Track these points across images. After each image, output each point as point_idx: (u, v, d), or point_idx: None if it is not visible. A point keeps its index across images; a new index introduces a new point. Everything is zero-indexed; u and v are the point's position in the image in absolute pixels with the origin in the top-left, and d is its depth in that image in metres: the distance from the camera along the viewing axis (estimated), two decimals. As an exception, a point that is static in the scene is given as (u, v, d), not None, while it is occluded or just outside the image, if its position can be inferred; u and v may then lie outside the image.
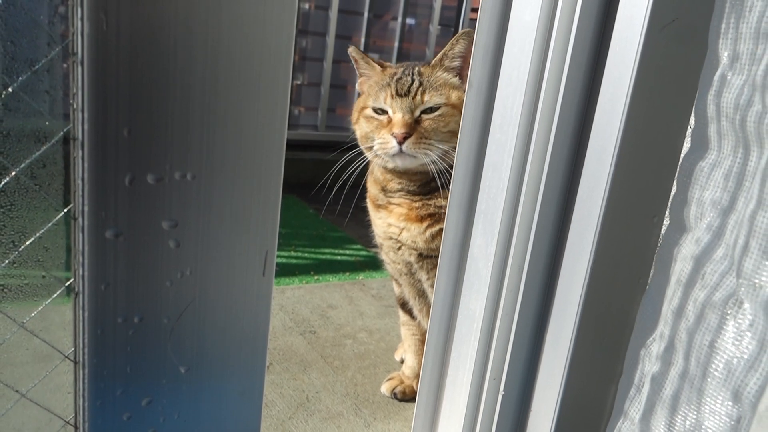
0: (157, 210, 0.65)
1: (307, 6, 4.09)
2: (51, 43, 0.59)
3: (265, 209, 0.71)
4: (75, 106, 0.60)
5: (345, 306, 2.21)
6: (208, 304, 0.71)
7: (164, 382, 0.71)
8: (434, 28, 4.43)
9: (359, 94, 1.56)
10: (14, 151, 0.60)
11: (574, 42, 0.89)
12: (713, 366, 0.60)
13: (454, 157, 1.35)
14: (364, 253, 2.82)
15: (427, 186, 1.42)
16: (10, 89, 0.58)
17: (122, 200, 0.64)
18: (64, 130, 0.61)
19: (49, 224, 0.63)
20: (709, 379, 0.61)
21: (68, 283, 0.65)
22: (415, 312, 1.62)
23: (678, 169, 0.72)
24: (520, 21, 0.92)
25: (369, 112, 1.44)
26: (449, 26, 4.52)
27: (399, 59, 4.41)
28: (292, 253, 2.75)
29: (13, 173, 0.61)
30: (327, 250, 2.86)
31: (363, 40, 4.23)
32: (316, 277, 2.49)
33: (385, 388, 1.66)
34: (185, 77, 0.63)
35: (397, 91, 1.38)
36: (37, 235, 0.64)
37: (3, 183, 0.60)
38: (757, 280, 0.56)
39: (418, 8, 4.48)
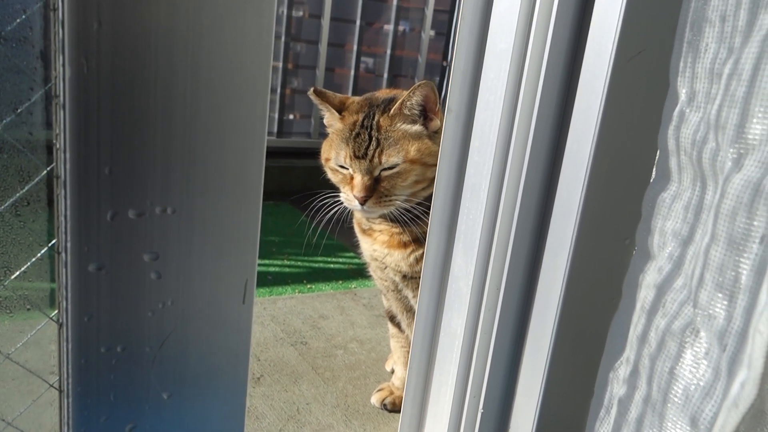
0: (138, 244, 0.68)
1: (300, 13, 4.12)
2: (34, 86, 0.61)
3: (245, 240, 0.73)
4: (58, 146, 0.62)
5: (336, 316, 2.23)
6: (189, 333, 0.73)
7: (147, 408, 0.73)
8: (426, 34, 4.46)
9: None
10: (-1, 191, 0.63)
11: (546, 68, 0.91)
12: (673, 392, 0.63)
13: (418, 196, 1.39)
14: (356, 261, 2.84)
15: (407, 213, 1.39)
16: (-6, 131, 0.61)
17: (104, 235, 0.66)
18: (47, 168, 0.63)
19: (33, 259, 0.66)
20: (669, 405, 0.63)
21: (53, 314, 0.67)
22: (404, 326, 1.64)
23: (644, 198, 0.74)
24: (496, 49, 0.95)
25: (333, 165, 1.44)
26: (442, 32, 4.55)
27: (391, 66, 4.43)
28: (285, 262, 2.77)
29: (-2, 211, 0.63)
30: (320, 259, 2.88)
31: (355, 47, 4.26)
32: (309, 286, 2.51)
33: (375, 399, 1.68)
34: (166, 116, 0.65)
35: (354, 152, 1.37)
36: (22, 269, 0.66)
37: (-12, 221, 0.63)
38: (711, 311, 0.59)
39: (411, 14, 4.51)
